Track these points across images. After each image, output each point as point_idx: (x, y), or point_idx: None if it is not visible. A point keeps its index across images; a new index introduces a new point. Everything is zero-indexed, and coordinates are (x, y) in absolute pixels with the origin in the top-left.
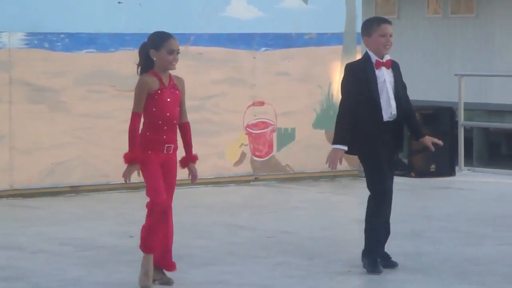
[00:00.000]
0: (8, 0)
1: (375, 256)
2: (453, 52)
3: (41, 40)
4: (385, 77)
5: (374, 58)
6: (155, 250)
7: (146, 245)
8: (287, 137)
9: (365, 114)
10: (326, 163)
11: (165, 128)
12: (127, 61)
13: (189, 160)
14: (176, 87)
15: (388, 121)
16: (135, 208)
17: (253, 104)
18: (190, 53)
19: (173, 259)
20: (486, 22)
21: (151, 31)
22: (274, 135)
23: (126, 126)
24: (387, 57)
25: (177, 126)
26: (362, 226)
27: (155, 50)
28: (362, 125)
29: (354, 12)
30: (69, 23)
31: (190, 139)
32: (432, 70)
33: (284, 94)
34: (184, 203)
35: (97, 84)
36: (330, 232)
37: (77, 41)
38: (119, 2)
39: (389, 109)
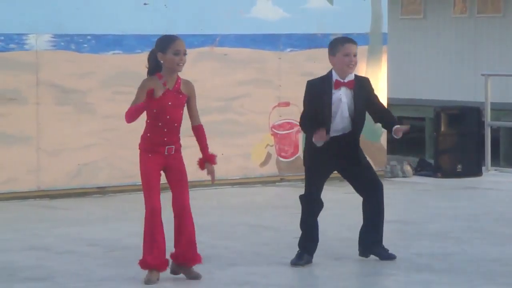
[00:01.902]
0: (35, 3)
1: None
2: (480, 51)
3: (67, 41)
4: (341, 97)
5: (335, 77)
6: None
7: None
8: None
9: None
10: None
11: (165, 130)
12: None
13: (207, 160)
14: (180, 92)
15: (338, 135)
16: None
17: (279, 105)
18: (216, 54)
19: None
20: None
21: (177, 32)
22: (300, 135)
23: None
24: (351, 77)
25: (179, 128)
26: (388, 226)
27: (162, 52)
28: (310, 138)
29: (380, 12)
30: (95, 24)
31: (205, 141)
32: (458, 70)
33: None
34: (210, 204)
35: (123, 85)
36: (356, 233)
37: (103, 43)
38: (145, 4)
39: (341, 127)
